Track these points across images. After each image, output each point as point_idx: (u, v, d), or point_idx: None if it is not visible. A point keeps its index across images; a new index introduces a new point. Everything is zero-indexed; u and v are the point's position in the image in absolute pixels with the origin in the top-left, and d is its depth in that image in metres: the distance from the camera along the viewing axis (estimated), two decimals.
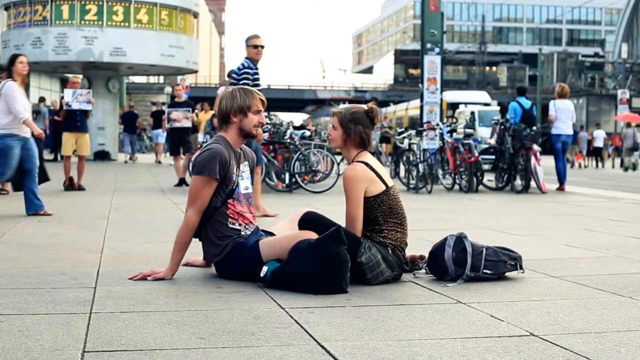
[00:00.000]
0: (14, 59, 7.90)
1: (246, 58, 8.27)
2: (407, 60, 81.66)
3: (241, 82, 8.03)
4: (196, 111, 16.94)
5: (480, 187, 12.75)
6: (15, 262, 4.72)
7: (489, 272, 4.22)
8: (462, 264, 4.19)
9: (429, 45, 15.74)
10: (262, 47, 8.25)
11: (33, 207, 7.79)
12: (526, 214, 8.51)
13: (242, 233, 4.26)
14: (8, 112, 7.69)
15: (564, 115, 12.87)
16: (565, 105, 12.96)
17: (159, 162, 23.93)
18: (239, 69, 8.29)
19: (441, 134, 13.24)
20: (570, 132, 13.09)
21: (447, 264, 4.22)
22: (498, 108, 18.34)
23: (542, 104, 42.58)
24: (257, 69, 8.27)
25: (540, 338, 2.98)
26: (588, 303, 3.69)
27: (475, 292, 3.93)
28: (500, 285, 4.13)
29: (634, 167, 28.24)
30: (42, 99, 24.28)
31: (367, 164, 4.25)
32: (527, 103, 13.52)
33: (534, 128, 12.89)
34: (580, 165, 32.35)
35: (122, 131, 26.13)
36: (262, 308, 3.48)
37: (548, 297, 3.85)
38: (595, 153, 33.47)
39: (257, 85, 8.19)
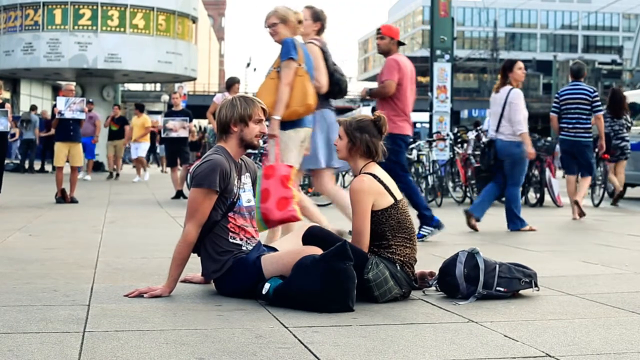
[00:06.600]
0: (512, 64, 8.00)
1: None
2: (416, 67, 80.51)
3: None
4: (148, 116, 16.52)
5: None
6: (5, 278, 4.62)
7: (502, 289, 4.12)
8: (474, 281, 4.09)
9: (438, 52, 15.53)
10: None
11: (516, 224, 7.91)
12: (541, 229, 8.35)
13: (243, 248, 4.15)
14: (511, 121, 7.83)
15: None
16: None
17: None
18: None
19: (451, 145, 13.09)
20: None
21: (459, 281, 4.12)
22: None
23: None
24: None
25: (557, 359, 2.90)
26: (607, 322, 3.60)
27: (488, 310, 3.84)
28: (514, 303, 4.04)
29: None
30: (33, 107, 24.02)
31: (375, 176, 4.15)
32: None
33: (549, 139, 12.76)
34: None
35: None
36: (264, 327, 3.40)
37: (564, 316, 3.76)
38: None
39: None
